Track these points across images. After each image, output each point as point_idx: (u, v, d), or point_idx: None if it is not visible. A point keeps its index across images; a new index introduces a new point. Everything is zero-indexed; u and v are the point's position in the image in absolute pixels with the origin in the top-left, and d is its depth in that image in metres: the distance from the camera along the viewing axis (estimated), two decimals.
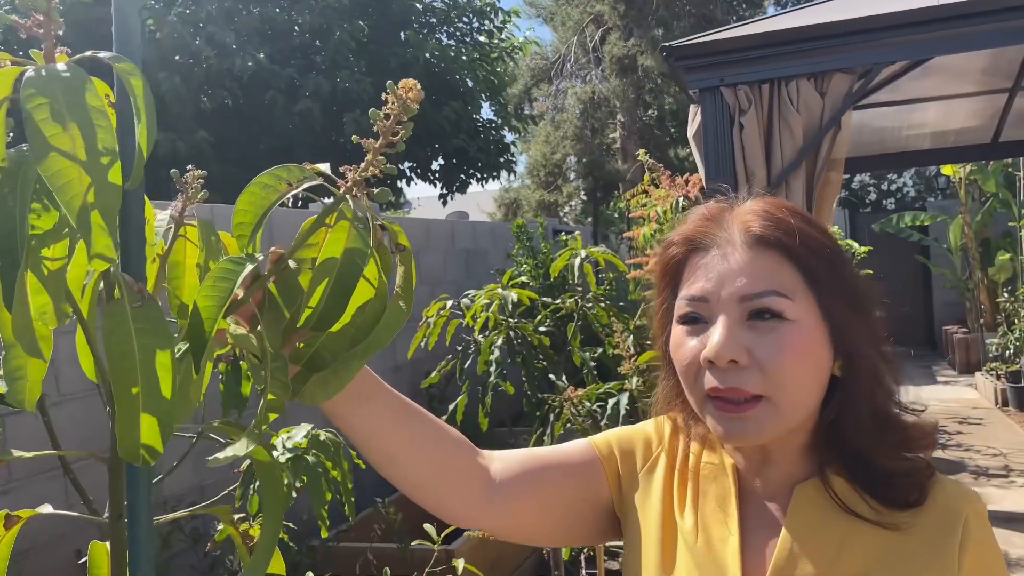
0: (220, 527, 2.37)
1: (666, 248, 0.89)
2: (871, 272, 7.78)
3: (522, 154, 17.55)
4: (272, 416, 0.72)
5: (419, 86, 0.68)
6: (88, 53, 0.68)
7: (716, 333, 0.79)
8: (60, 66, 0.63)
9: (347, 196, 0.69)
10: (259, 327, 0.71)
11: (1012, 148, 5.49)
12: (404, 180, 10.90)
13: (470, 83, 10.94)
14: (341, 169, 0.71)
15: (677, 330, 0.85)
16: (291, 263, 0.73)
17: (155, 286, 0.86)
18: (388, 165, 0.72)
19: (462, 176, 11.11)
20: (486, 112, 13.39)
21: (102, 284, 0.73)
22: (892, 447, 0.82)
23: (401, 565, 2.96)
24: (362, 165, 0.70)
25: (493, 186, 13.30)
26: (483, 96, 11.53)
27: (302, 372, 0.73)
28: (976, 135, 5.36)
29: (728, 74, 2.31)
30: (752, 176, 2.32)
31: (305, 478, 1.87)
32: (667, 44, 2.36)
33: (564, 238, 5.55)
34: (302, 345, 0.73)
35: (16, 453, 0.76)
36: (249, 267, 0.67)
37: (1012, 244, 9.11)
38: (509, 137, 12.46)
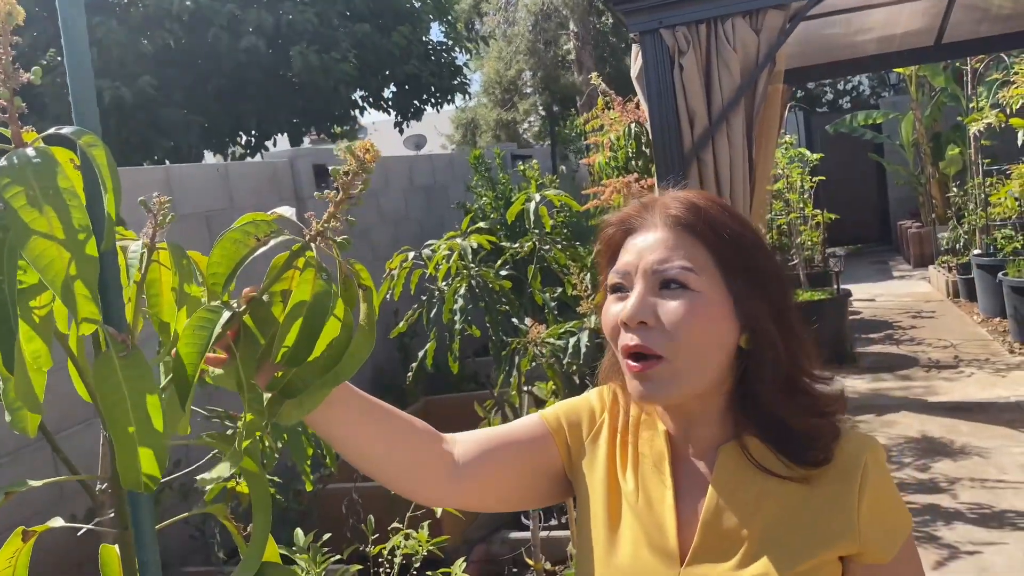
0: (208, 488, 2.47)
1: (605, 229, 1.02)
2: (824, 178, 7.94)
3: (475, 72, 17.26)
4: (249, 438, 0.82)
5: (376, 147, 0.75)
6: (52, 130, 0.75)
7: (631, 298, 0.92)
8: (30, 151, 0.70)
9: (311, 244, 0.76)
10: (236, 357, 0.80)
11: (954, 49, 5.57)
12: (357, 110, 10.73)
13: (416, 3, 10.69)
14: (307, 215, 0.78)
15: (608, 299, 0.97)
16: (264, 298, 0.81)
17: (135, 311, 0.93)
18: (351, 219, 0.80)
19: (416, 103, 10.96)
20: (435, 34, 13.11)
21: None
22: (799, 412, 0.94)
23: (385, 502, 3.11)
24: (324, 216, 0.77)
25: (449, 108, 13.13)
26: (430, 16, 11.27)
27: (276, 396, 0.83)
28: (920, 38, 5.42)
29: (666, 16, 2.36)
30: (694, 115, 2.40)
31: (286, 436, 1.98)
32: None
33: (522, 167, 5.59)
34: (279, 375, 0.82)
35: (31, 483, 0.84)
36: (225, 315, 0.75)
37: (961, 138, 9.29)
38: (461, 58, 12.24)
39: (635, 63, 2.54)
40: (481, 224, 2.94)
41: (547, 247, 2.76)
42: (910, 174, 10.61)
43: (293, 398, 0.81)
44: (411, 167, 6.28)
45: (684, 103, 2.39)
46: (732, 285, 0.92)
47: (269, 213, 0.80)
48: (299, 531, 1.99)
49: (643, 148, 4.36)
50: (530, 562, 2.81)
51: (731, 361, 0.94)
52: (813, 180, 7.65)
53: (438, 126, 19.27)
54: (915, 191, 10.78)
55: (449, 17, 12.06)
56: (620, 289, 0.95)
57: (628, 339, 0.92)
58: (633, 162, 4.44)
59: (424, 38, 10.88)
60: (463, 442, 1.04)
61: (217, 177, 4.26)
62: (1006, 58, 7.14)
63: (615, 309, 0.94)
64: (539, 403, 3.02)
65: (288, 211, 0.80)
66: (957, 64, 8.84)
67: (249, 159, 10.15)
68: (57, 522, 0.93)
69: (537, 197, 2.76)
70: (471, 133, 19.06)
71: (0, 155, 0.68)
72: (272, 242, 0.75)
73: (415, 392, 4.48)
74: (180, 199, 3.99)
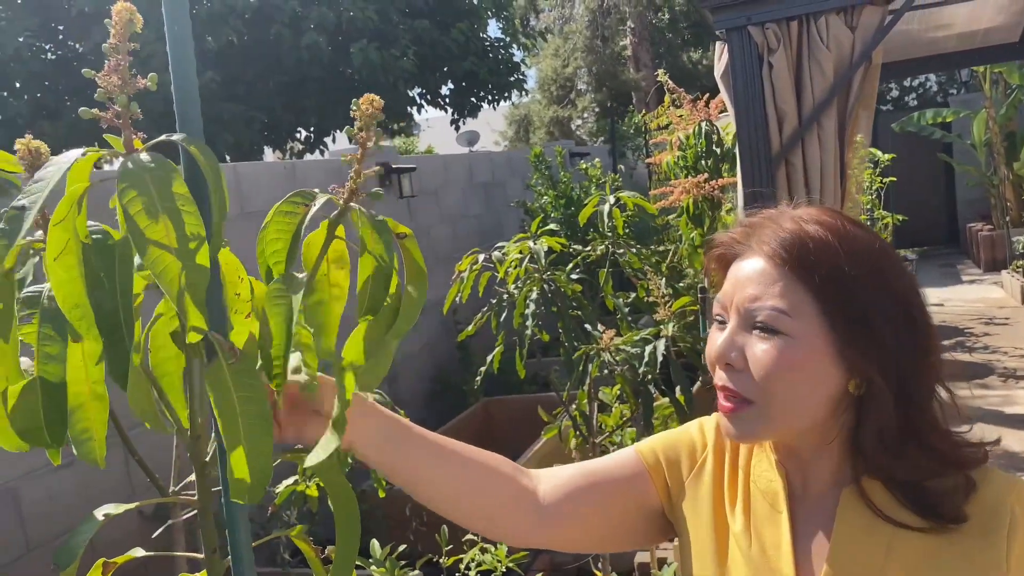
0: (278, 489, 2.44)
1: (713, 248, 0.94)
2: (895, 179, 7.68)
3: (530, 68, 17.18)
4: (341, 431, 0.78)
5: (379, 100, 0.76)
6: (163, 137, 0.71)
7: (723, 335, 0.86)
8: (145, 157, 0.66)
9: (351, 205, 0.77)
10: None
11: None
12: (414, 107, 10.74)
13: (475, 1, 10.65)
14: (331, 188, 0.78)
15: (713, 325, 0.91)
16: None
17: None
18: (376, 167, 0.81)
19: (473, 99, 10.92)
20: (492, 30, 13.06)
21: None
22: (921, 466, 0.83)
23: None
24: (351, 175, 0.77)
25: (502, 105, 13.08)
26: (488, 13, 11.22)
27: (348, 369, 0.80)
28: (1003, 34, 5.20)
29: (755, 12, 2.26)
30: (783, 115, 2.29)
31: None
32: None
33: (584, 165, 5.51)
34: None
35: (113, 509, 0.80)
36: (302, 278, 0.74)
37: None
38: (518, 55, 12.17)
39: (720, 61, 2.45)
40: (552, 226, 2.87)
41: (621, 251, 2.68)
42: (982, 175, 10.23)
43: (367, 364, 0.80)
44: (470, 164, 6.24)
45: (773, 103, 2.29)
46: (834, 329, 0.82)
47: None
48: (375, 543, 1.95)
49: (713, 147, 4.25)
50: (597, 573, 2.74)
51: (840, 404, 0.85)
52: (883, 181, 7.41)
53: (491, 122, 19.27)
54: (987, 192, 10.40)
55: (506, 13, 12.01)
56: (721, 320, 0.89)
57: (718, 377, 0.87)
58: (703, 161, 4.33)
59: (482, 34, 10.84)
60: (549, 479, 0.96)
61: (283, 174, 4.27)
62: None
63: (710, 342, 0.89)
64: (602, 407, 2.95)
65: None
66: None
67: (308, 156, 10.25)
68: (138, 552, 0.89)
69: (612, 199, 2.68)
70: (524, 130, 18.99)
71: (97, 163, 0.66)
72: (319, 201, 0.75)
73: (476, 393, 4.44)
74: (248, 196, 4.00)
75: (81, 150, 0.65)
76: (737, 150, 2.43)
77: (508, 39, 11.81)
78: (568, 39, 15.91)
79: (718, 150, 4.30)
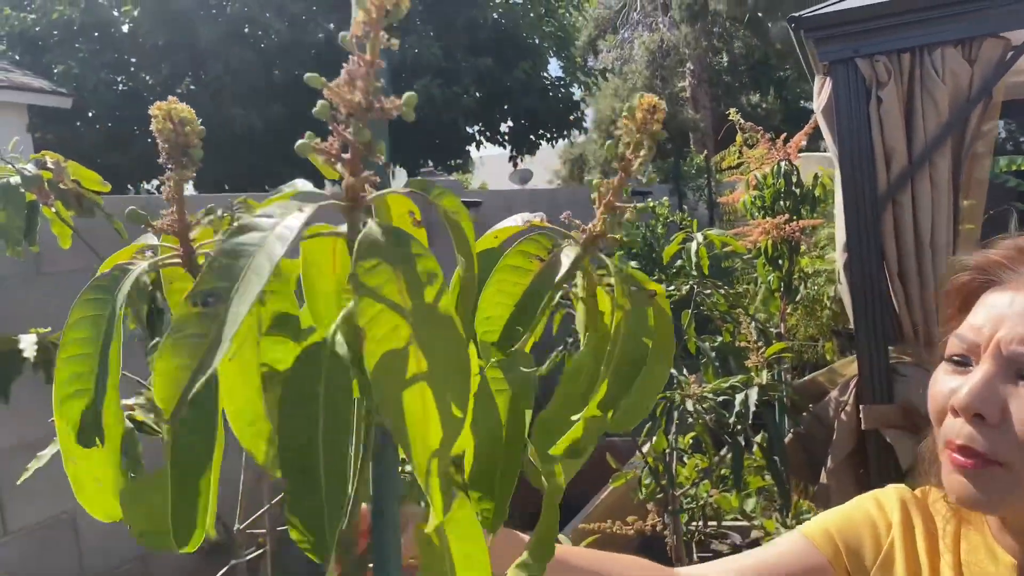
0: None
1: (959, 272, 0.78)
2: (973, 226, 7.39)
3: (588, 107, 17.21)
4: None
5: (662, 107, 0.51)
6: (392, 190, 0.44)
7: (972, 379, 0.69)
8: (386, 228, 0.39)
9: (592, 254, 0.52)
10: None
11: None
12: (473, 143, 10.80)
13: (537, 40, 10.71)
14: (577, 227, 0.56)
15: (941, 366, 0.74)
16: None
17: None
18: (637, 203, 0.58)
19: (531, 137, 10.94)
20: (553, 68, 13.14)
21: None
22: None
23: None
24: (600, 207, 0.52)
25: (560, 143, 13.07)
26: (550, 52, 11.28)
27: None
28: None
29: (863, 44, 2.13)
30: (891, 153, 2.15)
31: None
32: (794, 15, 2.18)
33: (651, 204, 5.39)
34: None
35: None
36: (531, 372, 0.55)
37: None
38: (578, 94, 12.18)
39: (820, 95, 2.32)
40: (633, 264, 2.75)
41: (708, 291, 2.55)
42: None
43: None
44: (532, 200, 6.17)
45: (880, 139, 2.15)
46: None
47: (508, 224, 0.58)
48: None
49: (792, 187, 4.10)
50: None
51: None
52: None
53: (545, 161, 19.32)
54: None
55: (567, 52, 12.06)
56: (961, 360, 0.72)
57: (956, 431, 0.69)
58: (782, 202, 4.18)
59: (543, 73, 10.89)
60: None
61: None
62: None
63: (948, 384, 0.72)
64: (679, 457, 2.79)
65: (529, 217, 0.58)
66: None
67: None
68: None
69: (700, 236, 2.55)
70: (578, 169, 18.99)
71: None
72: (566, 257, 0.49)
73: None
74: None
75: (300, 209, 0.39)
76: (838, 189, 2.30)
77: (568, 79, 11.85)
78: (627, 79, 15.92)
79: (797, 190, 4.16)
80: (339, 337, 0.42)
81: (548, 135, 10.98)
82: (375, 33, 0.40)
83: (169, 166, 0.53)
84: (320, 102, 0.42)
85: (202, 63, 8.04)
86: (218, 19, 8.18)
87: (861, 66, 2.15)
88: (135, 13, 7.76)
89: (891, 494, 0.83)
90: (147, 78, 8.81)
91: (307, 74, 0.39)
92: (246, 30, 8.51)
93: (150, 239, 0.54)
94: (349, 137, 0.41)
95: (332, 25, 8.16)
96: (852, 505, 0.85)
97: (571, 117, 10.98)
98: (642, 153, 0.52)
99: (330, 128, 0.42)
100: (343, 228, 0.44)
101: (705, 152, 10.44)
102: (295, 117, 8.40)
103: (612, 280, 0.52)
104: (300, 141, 0.42)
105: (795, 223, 3.84)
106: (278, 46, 8.25)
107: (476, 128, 10.54)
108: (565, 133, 11.18)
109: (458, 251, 0.46)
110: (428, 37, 8.95)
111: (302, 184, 0.46)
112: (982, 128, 2.11)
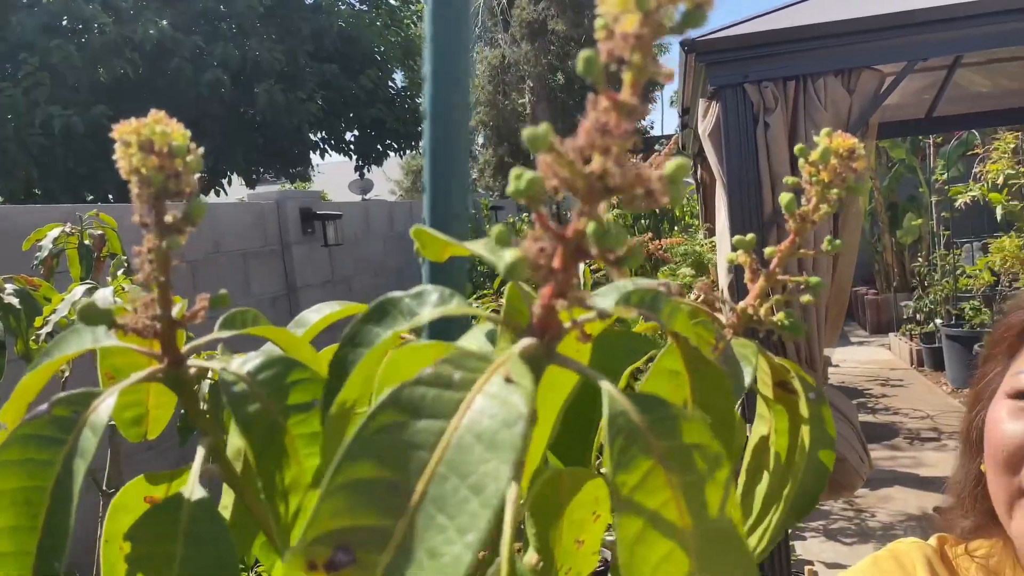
0: None
1: (1013, 312, 0.73)
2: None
3: None
4: None
5: (860, 146, 0.43)
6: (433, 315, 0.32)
7: None
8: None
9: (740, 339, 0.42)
10: None
11: (944, 123, 5.64)
12: (317, 151, 10.43)
13: (382, 49, 10.52)
14: (703, 287, 0.44)
15: (1003, 404, 0.69)
16: None
17: None
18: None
19: (379, 147, 10.72)
20: (399, 79, 12.97)
21: None
22: None
23: None
24: (758, 283, 0.43)
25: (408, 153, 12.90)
26: (395, 63, 11.12)
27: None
28: (912, 111, 5.46)
29: (753, 70, 2.18)
30: (777, 178, 2.21)
31: None
32: (687, 39, 2.20)
33: (511, 220, 5.38)
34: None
35: None
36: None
37: (917, 208, 9.49)
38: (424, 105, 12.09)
39: (705, 119, 2.35)
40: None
41: None
42: (866, 242, 10.79)
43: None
44: (391, 213, 6.01)
45: (767, 163, 2.20)
46: None
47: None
48: None
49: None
50: None
51: None
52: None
53: (387, 171, 19.04)
54: (871, 259, 10.96)
55: (412, 62, 11.94)
56: None
57: None
58: (642, 221, 4.28)
59: (389, 83, 10.71)
60: None
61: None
62: (976, 134, 7.30)
63: (1015, 428, 0.67)
64: None
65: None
66: (919, 139, 9.05)
67: (202, 196, 9.71)
68: None
69: None
70: (420, 180, 18.87)
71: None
72: (744, 360, 0.39)
73: None
74: None
75: (508, 379, 0.25)
76: (724, 211, 2.33)
77: (413, 90, 11.72)
78: (471, 92, 16.01)
79: (656, 210, 4.28)
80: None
81: (396, 145, 10.80)
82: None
83: (145, 222, 0.37)
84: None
85: (13, 57, 7.27)
86: (33, 8, 7.43)
87: (750, 91, 2.20)
88: None
89: (912, 552, 0.78)
90: None
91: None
92: (64, 23, 7.79)
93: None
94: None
95: (166, 22, 7.62)
96: (869, 565, 0.79)
97: (419, 128, 10.85)
98: (824, 210, 0.42)
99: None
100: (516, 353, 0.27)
101: None
102: (119, 118, 7.76)
103: (794, 381, 0.40)
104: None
105: (662, 241, 3.93)
106: (102, 43, 7.60)
107: (320, 135, 10.20)
108: (413, 144, 11.04)
109: (710, 414, 0.33)
110: (270, 40, 8.56)
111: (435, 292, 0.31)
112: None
